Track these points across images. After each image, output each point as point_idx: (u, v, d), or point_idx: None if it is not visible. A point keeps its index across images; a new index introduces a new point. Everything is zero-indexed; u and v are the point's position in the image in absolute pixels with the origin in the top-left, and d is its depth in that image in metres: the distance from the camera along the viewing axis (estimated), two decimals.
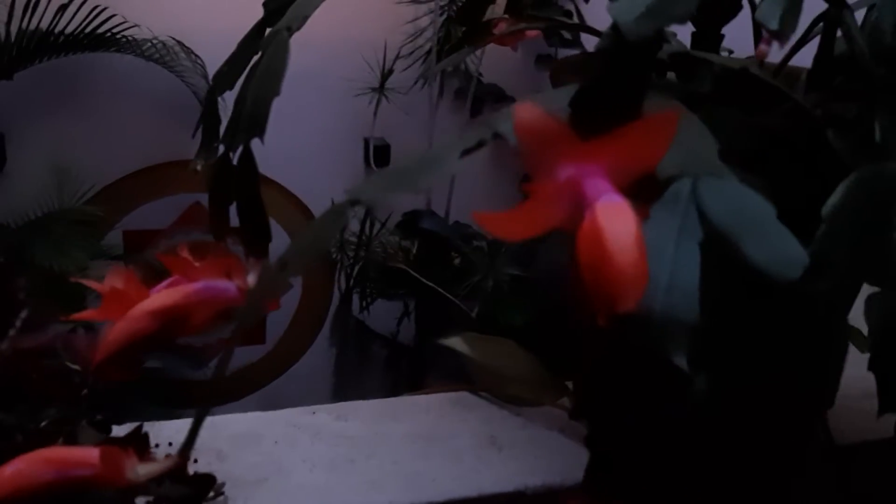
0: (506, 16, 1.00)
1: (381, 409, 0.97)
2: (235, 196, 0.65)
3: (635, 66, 0.47)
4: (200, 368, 3.74)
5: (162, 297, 0.58)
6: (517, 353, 0.97)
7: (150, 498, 0.72)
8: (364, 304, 3.76)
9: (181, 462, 0.51)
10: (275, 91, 0.63)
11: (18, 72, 3.17)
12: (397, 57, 3.32)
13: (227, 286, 0.60)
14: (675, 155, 0.43)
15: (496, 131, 0.47)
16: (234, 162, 0.65)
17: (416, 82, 3.32)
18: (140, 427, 0.68)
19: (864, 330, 0.45)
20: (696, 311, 0.39)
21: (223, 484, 0.78)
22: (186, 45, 3.35)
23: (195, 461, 0.83)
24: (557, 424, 0.94)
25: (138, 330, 0.57)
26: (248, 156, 0.64)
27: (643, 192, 0.42)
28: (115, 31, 3.20)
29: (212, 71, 3.32)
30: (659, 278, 0.40)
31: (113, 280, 0.65)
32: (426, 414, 0.97)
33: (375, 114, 3.28)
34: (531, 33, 1.05)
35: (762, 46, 0.48)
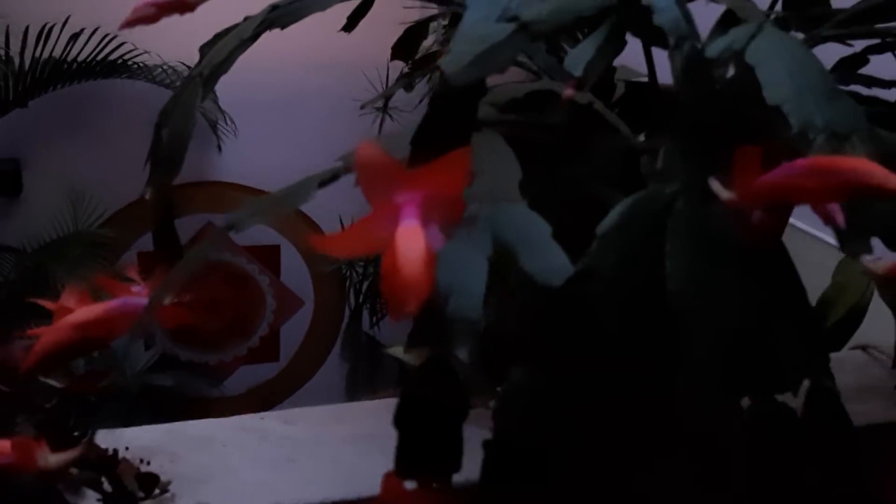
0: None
1: (327, 413, 1.05)
2: (153, 227, 0.73)
3: (461, 108, 0.55)
4: (216, 386, 3.84)
5: (84, 311, 0.67)
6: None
7: (100, 496, 0.81)
8: (374, 319, 3.85)
9: (87, 450, 0.59)
10: (187, 134, 0.70)
11: (33, 99, 3.28)
12: (400, 76, 3.38)
13: (143, 302, 0.69)
14: (481, 184, 0.52)
15: (348, 166, 0.56)
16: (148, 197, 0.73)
17: (421, 101, 3.40)
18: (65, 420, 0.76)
19: None
20: (479, 312, 0.47)
21: (169, 482, 0.86)
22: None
23: (148, 463, 0.91)
24: (488, 424, 1.01)
25: (62, 339, 0.65)
26: (166, 193, 0.72)
27: (451, 215, 0.50)
28: (125, 57, 3.31)
29: (220, 94, 3.43)
30: (451, 285, 0.48)
31: (66, 299, 0.73)
32: (370, 417, 1.04)
33: (380, 131, 3.36)
34: None
35: (567, 91, 0.56)
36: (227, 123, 3.51)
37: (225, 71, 0.76)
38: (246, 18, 0.77)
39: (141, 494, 0.83)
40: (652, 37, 0.56)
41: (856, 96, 0.79)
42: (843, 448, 0.54)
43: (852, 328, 0.95)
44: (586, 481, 0.49)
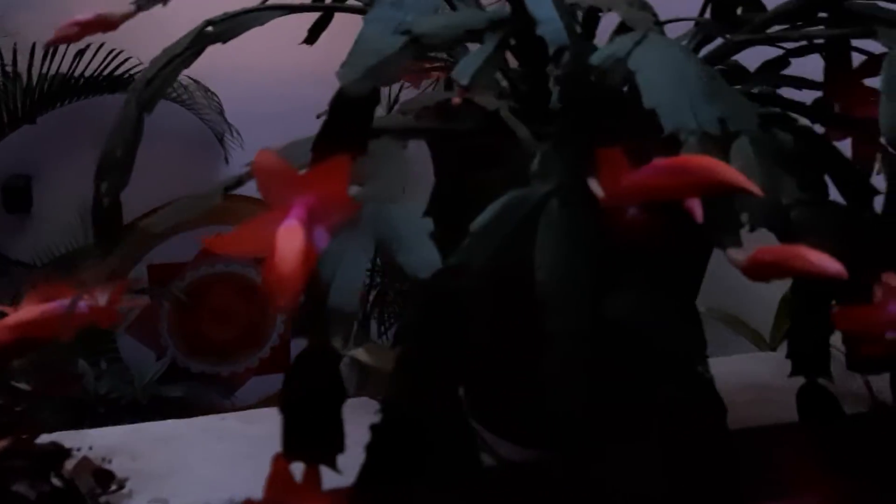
0: None
1: None
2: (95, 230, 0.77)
3: (357, 117, 0.59)
4: (228, 397, 3.89)
5: (20, 314, 0.71)
6: None
7: (44, 490, 0.85)
8: (382, 329, 3.89)
9: (13, 441, 0.63)
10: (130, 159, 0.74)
11: (41, 115, 3.34)
12: (401, 87, 3.43)
13: (81, 305, 0.72)
14: (371, 187, 0.55)
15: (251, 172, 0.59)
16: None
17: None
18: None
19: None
20: (355, 305, 0.50)
21: (126, 479, 0.90)
22: (202, 83, 3.52)
23: (110, 461, 0.95)
24: None
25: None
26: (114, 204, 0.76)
27: (336, 215, 0.54)
28: (131, 72, 3.37)
29: (226, 106, 3.48)
30: (332, 279, 0.52)
31: (27, 303, 0.77)
32: None
33: None
34: (433, 74, 1.16)
35: (455, 98, 0.60)
36: (233, 136, 3.56)
37: (162, 95, 0.80)
38: None
39: (98, 490, 0.87)
40: (536, 47, 0.59)
41: (776, 98, 0.82)
42: (714, 437, 0.57)
43: None
44: (462, 462, 0.53)
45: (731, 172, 0.50)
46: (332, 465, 0.53)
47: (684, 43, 0.85)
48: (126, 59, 3.32)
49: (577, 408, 0.51)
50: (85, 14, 0.65)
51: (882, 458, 0.73)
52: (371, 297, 3.84)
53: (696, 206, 0.53)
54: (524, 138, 0.64)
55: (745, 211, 0.59)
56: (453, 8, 0.73)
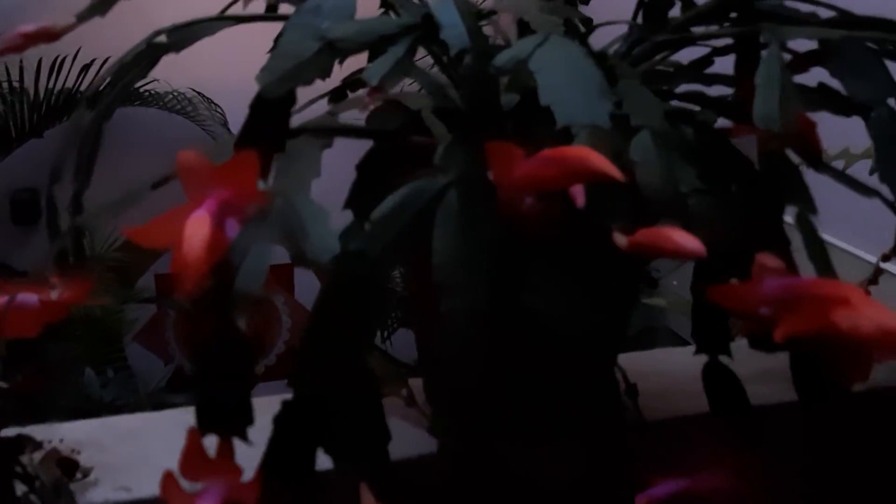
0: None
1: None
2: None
3: (275, 117, 0.63)
4: None
5: None
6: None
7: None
8: (386, 334, 3.92)
9: None
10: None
11: (48, 130, 3.40)
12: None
13: (31, 298, 0.77)
14: (282, 181, 0.60)
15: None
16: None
17: None
18: None
19: None
20: (259, 288, 0.55)
21: (91, 468, 0.95)
22: (206, 95, 3.57)
23: (78, 453, 0.99)
24: (398, 412, 1.09)
25: None
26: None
27: (246, 207, 0.58)
28: (136, 85, 3.41)
29: (229, 118, 3.54)
30: (239, 265, 0.56)
31: None
32: None
33: None
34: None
35: (366, 98, 0.64)
36: None
37: (121, 103, 0.85)
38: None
39: (64, 479, 0.91)
40: (442, 50, 0.64)
41: (700, 95, 0.86)
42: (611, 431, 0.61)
43: None
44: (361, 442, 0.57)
45: (598, 160, 0.54)
46: (244, 436, 0.58)
47: (618, 45, 0.89)
48: None
49: (470, 388, 0.56)
50: (28, 26, 0.69)
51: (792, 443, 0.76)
52: None
53: (578, 193, 0.57)
54: (440, 136, 0.68)
55: (647, 199, 0.63)
56: (397, 14, 0.77)
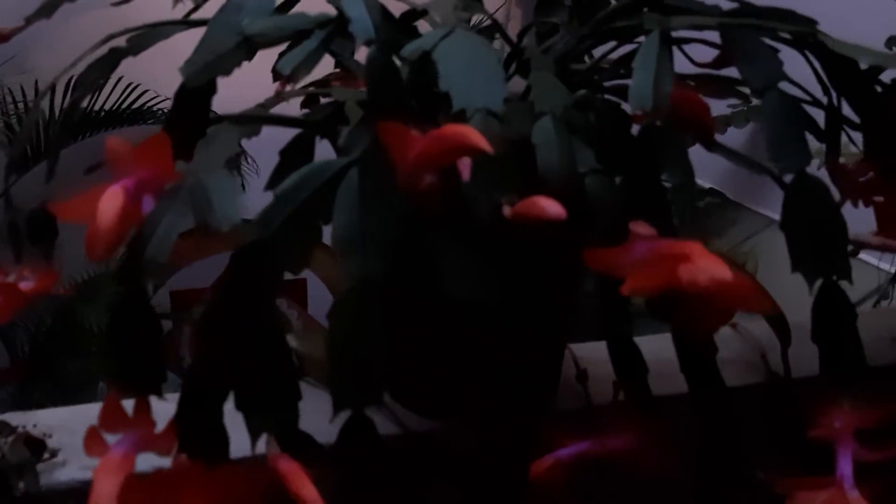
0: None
1: None
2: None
3: (196, 105, 0.69)
4: None
5: None
6: None
7: None
8: None
9: None
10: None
11: (63, 149, 3.47)
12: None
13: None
14: (197, 161, 0.65)
15: None
16: None
17: None
18: None
19: None
20: (165, 257, 0.60)
21: (59, 449, 1.00)
22: (216, 111, 3.63)
23: (50, 436, 1.05)
24: None
25: None
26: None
27: (161, 184, 0.64)
28: (149, 104, 3.50)
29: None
30: (151, 236, 0.62)
31: None
32: None
33: None
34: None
35: (278, 86, 0.70)
36: (248, 162, 3.67)
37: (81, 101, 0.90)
38: None
39: (33, 458, 0.96)
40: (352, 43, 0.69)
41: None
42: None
43: None
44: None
45: (473, 135, 0.59)
46: (158, 393, 0.63)
47: (554, 39, 0.94)
48: (144, 92, 3.44)
49: (363, 356, 0.61)
50: None
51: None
52: None
53: (464, 167, 0.63)
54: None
55: (544, 178, 0.68)
56: (342, 13, 0.82)
